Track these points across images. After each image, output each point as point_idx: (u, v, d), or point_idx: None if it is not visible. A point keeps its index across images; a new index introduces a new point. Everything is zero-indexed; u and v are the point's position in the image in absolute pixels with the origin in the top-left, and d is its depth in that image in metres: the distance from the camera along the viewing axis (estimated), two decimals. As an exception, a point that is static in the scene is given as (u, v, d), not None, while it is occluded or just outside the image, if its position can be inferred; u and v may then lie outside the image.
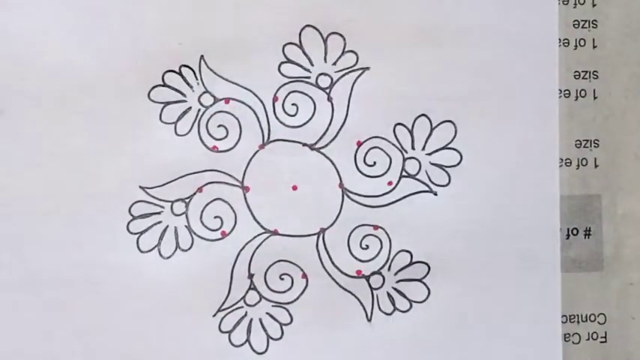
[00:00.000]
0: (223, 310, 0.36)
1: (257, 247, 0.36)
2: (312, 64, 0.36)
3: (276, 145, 0.36)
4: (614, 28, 0.37)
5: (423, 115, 0.37)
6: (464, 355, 0.37)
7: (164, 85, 0.36)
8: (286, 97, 0.36)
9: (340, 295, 0.36)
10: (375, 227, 0.37)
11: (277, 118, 0.36)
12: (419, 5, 0.36)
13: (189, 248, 0.36)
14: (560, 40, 0.37)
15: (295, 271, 0.36)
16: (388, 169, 0.37)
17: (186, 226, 0.36)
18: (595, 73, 0.37)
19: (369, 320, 0.37)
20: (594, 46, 0.37)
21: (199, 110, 0.36)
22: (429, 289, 0.37)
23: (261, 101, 0.36)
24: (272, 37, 0.36)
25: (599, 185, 0.38)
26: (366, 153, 0.37)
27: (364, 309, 0.37)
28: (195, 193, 0.36)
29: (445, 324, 0.37)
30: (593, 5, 0.37)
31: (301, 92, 0.36)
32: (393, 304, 0.37)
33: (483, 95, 0.37)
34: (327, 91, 0.36)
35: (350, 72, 0.36)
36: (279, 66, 0.36)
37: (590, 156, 0.38)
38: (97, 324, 0.35)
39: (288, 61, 0.36)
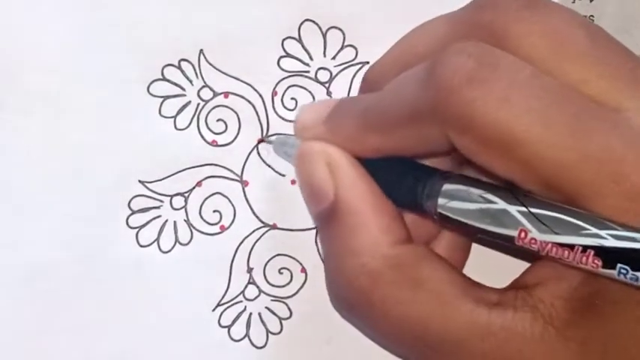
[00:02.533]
0: (222, 304, 0.36)
1: (256, 241, 0.36)
2: (312, 59, 0.37)
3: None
4: (610, 24, 0.38)
5: (422, 109, 0.37)
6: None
7: (163, 79, 0.36)
8: (285, 91, 0.36)
9: (339, 289, 0.36)
10: (374, 221, 0.37)
11: (276, 112, 0.36)
12: (418, 0, 0.36)
13: (188, 242, 0.36)
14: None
15: (294, 265, 0.36)
16: None
17: (185, 220, 0.36)
18: (592, 68, 0.38)
19: (368, 314, 0.37)
20: (591, 41, 0.37)
21: (198, 104, 0.36)
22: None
23: (261, 95, 0.36)
24: (271, 32, 0.36)
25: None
26: (365, 147, 0.37)
27: (363, 303, 0.37)
28: (194, 188, 0.36)
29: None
30: (591, 0, 0.37)
31: (300, 86, 0.36)
32: (392, 298, 0.37)
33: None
34: (327, 85, 0.37)
35: (349, 66, 0.37)
36: (279, 60, 0.36)
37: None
38: (96, 318, 0.35)
39: (288, 55, 0.36)
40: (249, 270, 0.36)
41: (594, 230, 0.24)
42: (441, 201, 0.28)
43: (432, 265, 0.29)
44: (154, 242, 0.36)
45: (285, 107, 0.36)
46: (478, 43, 0.27)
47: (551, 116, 0.25)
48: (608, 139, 0.25)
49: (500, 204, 0.27)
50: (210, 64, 0.36)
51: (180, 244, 0.36)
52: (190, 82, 0.36)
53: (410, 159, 0.31)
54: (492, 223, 0.27)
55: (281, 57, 0.36)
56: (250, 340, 0.36)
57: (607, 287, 0.26)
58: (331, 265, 0.31)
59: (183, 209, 0.36)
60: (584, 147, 0.25)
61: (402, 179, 0.30)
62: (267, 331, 0.36)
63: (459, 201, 0.28)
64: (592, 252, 0.24)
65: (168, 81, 0.36)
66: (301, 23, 0.36)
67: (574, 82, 0.26)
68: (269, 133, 0.36)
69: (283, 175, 0.36)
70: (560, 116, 0.25)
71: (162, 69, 0.36)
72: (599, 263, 0.24)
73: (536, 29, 0.28)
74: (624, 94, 0.26)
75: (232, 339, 0.36)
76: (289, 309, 0.36)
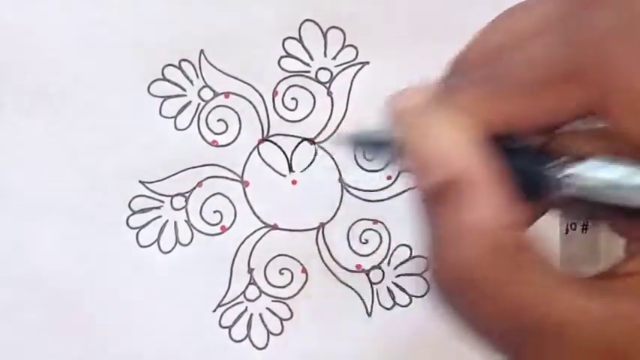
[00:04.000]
0: (223, 305, 0.36)
1: (257, 242, 0.36)
2: (312, 59, 0.36)
3: (276, 139, 0.36)
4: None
5: (422, 109, 0.37)
6: (463, 350, 0.37)
7: (164, 79, 0.36)
8: (286, 91, 0.36)
9: (340, 289, 0.36)
10: (375, 221, 0.37)
11: (277, 112, 0.36)
12: (418, 0, 0.36)
13: (189, 243, 0.36)
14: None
15: (295, 265, 0.36)
16: (387, 163, 0.37)
17: (185, 221, 0.36)
18: (592, 68, 0.37)
19: (369, 315, 0.37)
20: (592, 41, 0.37)
21: (199, 104, 0.36)
22: (428, 283, 0.37)
23: (261, 95, 0.36)
24: (272, 32, 0.36)
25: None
26: (366, 147, 0.37)
27: (364, 303, 0.37)
28: (194, 188, 0.36)
29: (445, 318, 0.37)
30: (591, 0, 0.37)
31: (301, 86, 0.36)
32: (393, 298, 0.37)
33: (482, 90, 0.37)
34: (327, 85, 0.37)
35: (350, 66, 0.37)
36: (279, 60, 0.36)
37: (587, 150, 0.38)
38: (97, 319, 0.35)
39: (288, 55, 0.36)
40: (250, 270, 0.36)
41: None
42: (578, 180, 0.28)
43: (536, 252, 0.29)
44: (154, 243, 0.36)
45: (285, 107, 0.36)
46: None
47: None
48: None
49: None
50: (211, 64, 0.36)
51: (181, 244, 0.36)
52: (191, 82, 0.36)
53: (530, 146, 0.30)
54: None
55: (282, 57, 0.36)
56: (251, 340, 0.36)
57: None
58: (443, 239, 0.30)
59: (184, 209, 0.36)
60: None
61: (529, 163, 0.29)
62: (268, 332, 0.36)
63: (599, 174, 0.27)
64: None
65: (168, 81, 0.36)
66: (302, 23, 0.36)
67: None
68: (270, 133, 0.36)
69: (284, 176, 0.36)
70: None
71: (163, 69, 0.36)
72: None
73: None
74: None
75: (233, 340, 0.36)
76: (290, 310, 0.36)
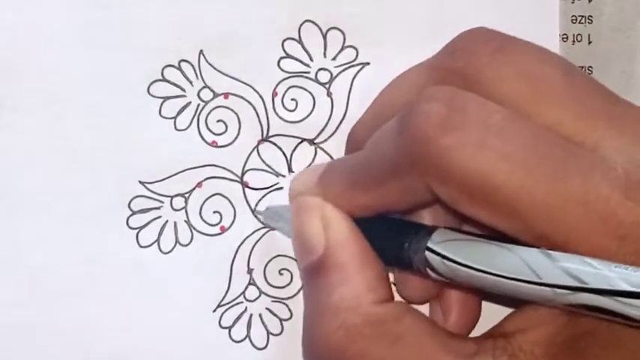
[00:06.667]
0: (223, 305, 0.36)
1: (256, 242, 0.36)
2: (312, 59, 0.37)
3: (276, 140, 0.36)
4: (607, 24, 0.38)
5: (422, 110, 0.37)
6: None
7: (163, 79, 0.36)
8: (285, 92, 0.36)
9: (340, 289, 0.36)
10: (374, 222, 0.37)
11: (276, 113, 0.36)
12: (418, 0, 0.37)
13: (188, 243, 0.36)
14: (559, 35, 0.37)
15: (294, 266, 0.36)
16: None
17: (185, 221, 0.36)
18: (590, 68, 0.38)
19: (369, 315, 0.37)
20: (589, 42, 0.38)
21: (198, 105, 0.36)
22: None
23: (261, 96, 0.36)
24: (271, 32, 0.36)
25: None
26: (365, 148, 0.37)
27: (364, 304, 0.37)
28: (194, 188, 0.36)
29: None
30: (589, 1, 0.38)
31: (301, 87, 0.37)
32: (392, 298, 0.37)
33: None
34: (327, 86, 0.37)
35: (350, 67, 0.37)
36: (279, 61, 0.36)
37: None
38: (97, 319, 0.35)
39: (288, 56, 0.36)
40: (250, 271, 0.36)
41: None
42: (428, 254, 0.28)
43: (411, 321, 0.29)
44: (154, 243, 0.36)
45: (285, 108, 0.36)
46: (447, 87, 0.27)
47: (530, 161, 0.25)
48: (591, 180, 0.24)
49: None
50: (210, 65, 0.36)
51: (181, 244, 0.36)
52: (190, 82, 0.36)
53: (400, 218, 0.31)
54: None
55: (281, 58, 0.36)
56: (251, 341, 0.36)
57: (592, 331, 0.26)
58: (310, 319, 0.31)
59: (184, 210, 0.36)
60: (567, 190, 0.24)
61: (391, 238, 0.30)
62: (268, 332, 0.36)
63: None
64: None
65: (168, 82, 0.36)
66: (301, 24, 0.36)
67: (551, 123, 0.26)
68: (269, 134, 0.36)
69: (283, 176, 0.36)
70: (538, 160, 0.25)
71: (163, 70, 0.36)
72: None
73: (509, 72, 0.27)
74: (601, 133, 0.26)
75: (233, 340, 0.36)
76: (290, 310, 0.36)
